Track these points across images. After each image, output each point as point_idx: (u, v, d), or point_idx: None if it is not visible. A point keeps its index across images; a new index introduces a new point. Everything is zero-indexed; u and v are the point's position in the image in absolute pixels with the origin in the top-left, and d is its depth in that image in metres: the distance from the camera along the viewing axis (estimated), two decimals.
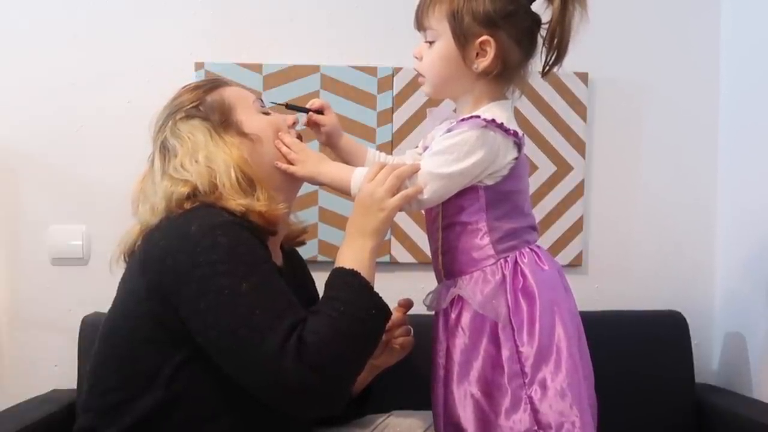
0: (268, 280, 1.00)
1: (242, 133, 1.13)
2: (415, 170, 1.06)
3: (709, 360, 1.85)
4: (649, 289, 1.84)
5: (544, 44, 1.09)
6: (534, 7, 1.09)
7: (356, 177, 1.11)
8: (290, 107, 1.23)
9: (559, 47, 1.08)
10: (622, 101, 1.84)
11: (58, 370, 1.68)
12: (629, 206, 1.85)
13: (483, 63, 1.06)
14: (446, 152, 1.05)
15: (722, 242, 1.85)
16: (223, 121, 1.13)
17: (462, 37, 1.05)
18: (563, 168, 1.80)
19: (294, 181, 1.19)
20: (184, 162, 1.09)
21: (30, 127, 1.70)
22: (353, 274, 1.02)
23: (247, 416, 1.03)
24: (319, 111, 1.24)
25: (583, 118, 1.80)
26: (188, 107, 1.14)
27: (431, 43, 1.09)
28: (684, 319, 1.72)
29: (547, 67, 1.10)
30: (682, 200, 1.86)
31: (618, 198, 1.85)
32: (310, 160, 1.15)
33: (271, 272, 1.01)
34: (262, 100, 1.21)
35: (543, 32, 1.09)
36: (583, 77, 1.78)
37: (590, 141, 1.82)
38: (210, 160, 1.08)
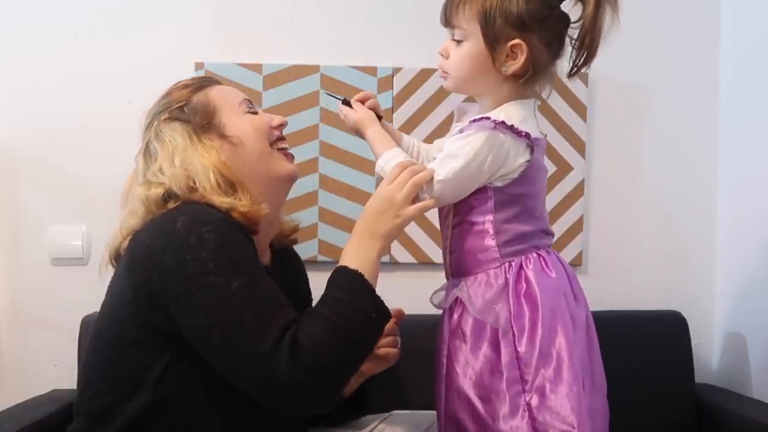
0: (257, 280, 0.99)
1: (223, 136, 1.13)
2: (429, 177, 1.05)
3: (709, 360, 1.85)
4: (649, 289, 1.84)
5: (573, 45, 1.08)
6: (563, 5, 1.08)
7: (384, 158, 1.12)
8: (346, 102, 1.24)
9: (589, 48, 1.06)
10: (622, 101, 1.84)
11: (58, 370, 1.68)
12: (629, 206, 1.85)
13: (513, 66, 1.05)
14: (455, 155, 1.04)
15: (722, 242, 1.85)
16: (204, 123, 1.13)
17: (493, 39, 1.04)
18: (563, 168, 1.80)
19: (279, 183, 1.18)
20: (163, 166, 1.09)
21: (30, 127, 1.70)
22: (357, 276, 1.02)
23: (236, 416, 1.03)
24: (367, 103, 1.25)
25: (583, 118, 1.80)
26: (174, 108, 1.14)
27: (459, 41, 1.08)
28: (684, 319, 1.72)
29: (576, 68, 1.09)
30: (682, 200, 1.86)
31: (618, 198, 1.85)
32: (352, 129, 1.21)
33: (260, 271, 1.01)
34: (249, 100, 1.20)
35: (571, 32, 1.08)
36: (583, 77, 1.78)
37: (590, 141, 1.82)
38: (187, 164, 1.08)
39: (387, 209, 1.05)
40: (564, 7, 1.08)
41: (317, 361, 0.94)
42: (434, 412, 1.17)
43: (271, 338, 0.93)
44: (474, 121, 1.05)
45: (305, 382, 0.93)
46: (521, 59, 1.04)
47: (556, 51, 1.08)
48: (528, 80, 1.07)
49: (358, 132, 1.20)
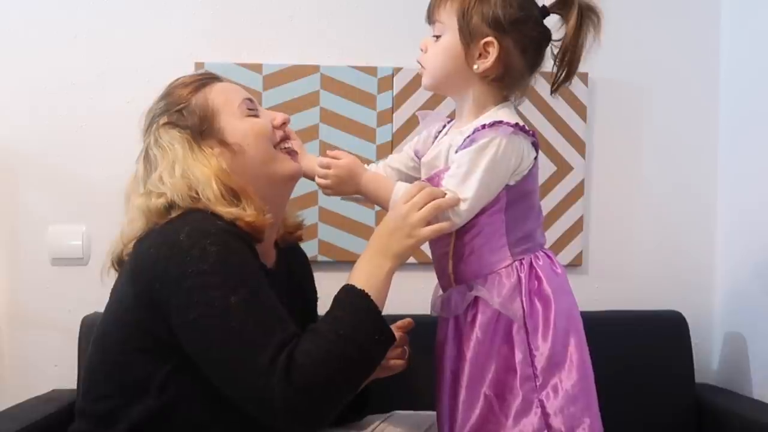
0: (258, 294, 0.98)
1: (223, 143, 1.11)
2: (454, 203, 1.03)
3: (709, 360, 1.85)
4: (649, 289, 1.84)
5: (555, 61, 1.10)
6: (549, 23, 1.09)
7: (396, 195, 1.09)
8: None
9: (569, 66, 1.08)
10: (622, 101, 1.84)
11: (58, 370, 1.67)
12: (629, 206, 1.86)
13: (484, 64, 1.06)
14: (474, 168, 1.03)
15: (722, 242, 1.85)
16: (203, 129, 1.10)
17: (468, 35, 1.06)
18: (563, 168, 1.80)
19: (283, 183, 1.17)
20: (163, 175, 1.07)
21: (30, 127, 1.70)
22: (363, 296, 1.00)
23: (239, 426, 1.02)
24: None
25: (583, 118, 1.80)
26: (173, 111, 1.11)
27: (438, 37, 1.10)
28: (684, 319, 1.72)
29: (556, 85, 1.11)
30: (682, 200, 1.86)
31: (618, 198, 1.85)
32: (343, 182, 1.13)
33: (260, 285, 0.99)
34: (250, 100, 1.16)
35: (555, 49, 1.10)
36: (583, 77, 1.78)
37: (590, 141, 1.82)
38: (187, 174, 1.06)
39: (400, 228, 1.03)
40: (551, 26, 1.10)
41: (311, 380, 0.92)
42: (434, 413, 1.17)
43: (268, 354, 0.92)
44: (484, 127, 1.04)
45: (298, 401, 0.92)
46: (492, 57, 1.05)
47: (531, 60, 1.09)
48: (500, 82, 1.08)
49: (349, 183, 1.13)
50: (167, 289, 0.97)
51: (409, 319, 1.24)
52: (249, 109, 1.15)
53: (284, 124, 1.19)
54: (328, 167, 1.13)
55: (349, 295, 1.01)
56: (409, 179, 1.18)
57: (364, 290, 1.00)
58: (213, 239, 0.98)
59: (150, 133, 1.13)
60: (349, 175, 1.13)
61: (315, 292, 1.34)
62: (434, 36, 1.11)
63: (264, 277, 1.02)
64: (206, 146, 1.10)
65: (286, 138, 1.19)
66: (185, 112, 1.11)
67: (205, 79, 1.16)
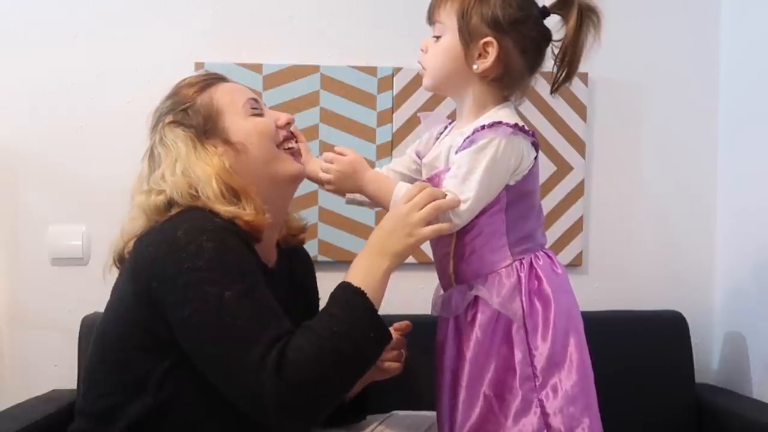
0: (252, 290, 0.98)
1: (227, 142, 1.11)
2: (454, 205, 1.03)
3: (709, 360, 1.85)
4: (649, 289, 1.84)
5: (555, 61, 1.10)
6: (549, 23, 1.10)
7: (397, 195, 1.09)
8: None
9: (569, 66, 1.09)
10: (622, 101, 1.84)
11: (58, 370, 1.67)
12: (629, 206, 1.86)
13: (484, 64, 1.07)
14: (475, 168, 1.03)
15: (722, 242, 1.85)
16: (208, 128, 1.11)
17: (467, 35, 1.06)
18: (563, 168, 1.80)
19: (286, 184, 1.17)
20: (165, 173, 1.08)
21: (30, 127, 1.70)
22: (359, 294, 1.00)
23: (236, 423, 1.02)
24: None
25: (583, 118, 1.80)
26: (178, 110, 1.12)
27: (438, 38, 1.10)
28: (684, 319, 1.72)
29: (556, 85, 1.11)
30: (682, 200, 1.86)
31: (618, 198, 1.85)
32: (345, 178, 1.13)
33: (256, 281, 0.99)
34: (255, 100, 1.17)
35: (555, 49, 1.10)
36: (583, 77, 1.78)
37: (590, 141, 1.82)
38: (188, 172, 1.07)
39: (401, 227, 1.03)
40: (551, 26, 1.10)
41: (303, 376, 0.92)
42: (434, 413, 1.17)
43: (259, 350, 0.92)
44: (483, 128, 1.04)
45: (289, 396, 0.92)
46: (491, 57, 1.06)
47: (531, 60, 1.09)
48: (500, 82, 1.09)
49: (351, 180, 1.13)
50: (164, 286, 0.97)
51: (407, 322, 1.23)
52: (253, 108, 1.15)
53: (288, 124, 1.19)
54: (332, 162, 1.14)
55: (345, 292, 1.01)
56: (412, 181, 1.18)
57: (360, 287, 1.00)
58: (209, 236, 0.98)
59: (156, 132, 1.13)
60: (352, 171, 1.13)
61: (317, 292, 1.34)
62: (434, 36, 1.11)
63: (262, 275, 1.02)
64: (210, 145, 1.10)
65: (289, 138, 1.19)
66: (190, 111, 1.12)
67: (211, 79, 1.17)
